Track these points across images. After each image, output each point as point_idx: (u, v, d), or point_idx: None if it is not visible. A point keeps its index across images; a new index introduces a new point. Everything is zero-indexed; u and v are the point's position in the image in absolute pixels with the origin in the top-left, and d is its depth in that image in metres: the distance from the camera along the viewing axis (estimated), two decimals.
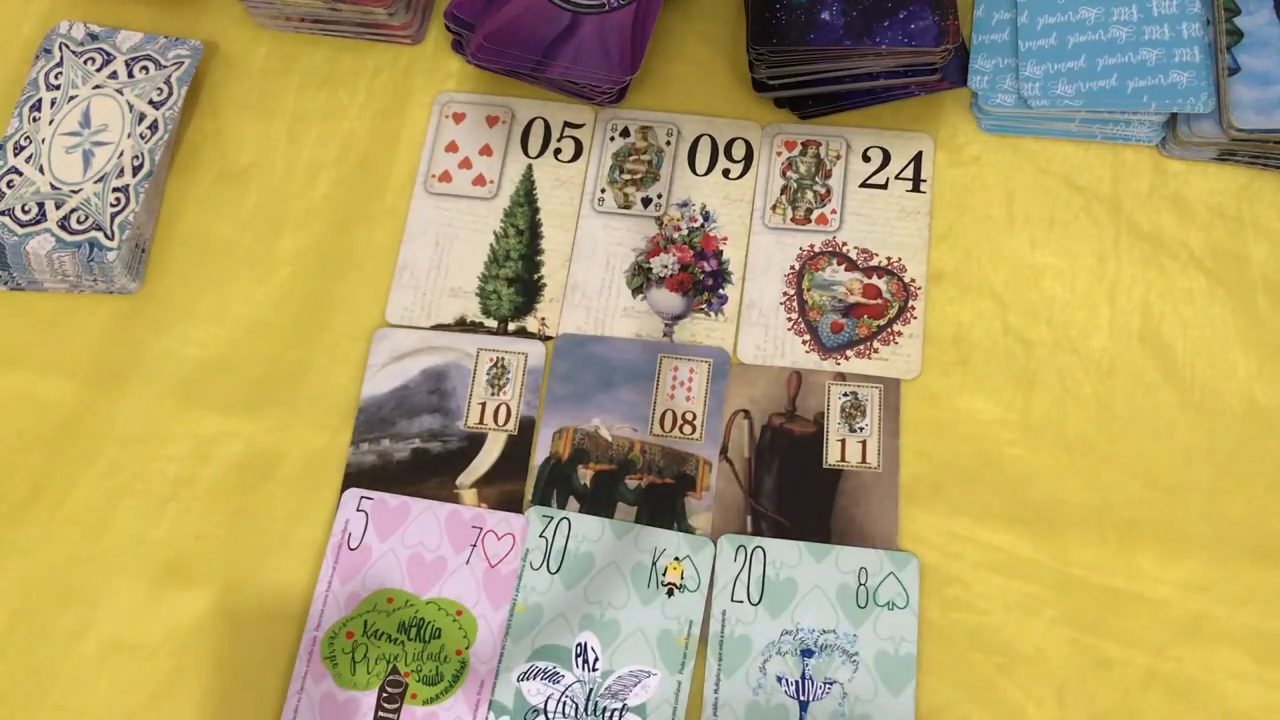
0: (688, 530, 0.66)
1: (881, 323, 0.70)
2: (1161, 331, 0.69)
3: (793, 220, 0.73)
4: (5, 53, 0.80)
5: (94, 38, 0.78)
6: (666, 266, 0.72)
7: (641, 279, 0.72)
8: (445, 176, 0.76)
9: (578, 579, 0.65)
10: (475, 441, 0.69)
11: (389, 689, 0.63)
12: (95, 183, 0.73)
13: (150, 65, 0.77)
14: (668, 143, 0.76)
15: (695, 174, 0.75)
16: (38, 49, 0.78)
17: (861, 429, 0.68)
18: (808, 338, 0.70)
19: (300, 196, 0.76)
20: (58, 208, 0.72)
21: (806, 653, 0.63)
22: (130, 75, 0.76)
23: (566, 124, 0.77)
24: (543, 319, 0.72)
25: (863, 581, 0.64)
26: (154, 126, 0.74)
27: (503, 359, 0.71)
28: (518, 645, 0.64)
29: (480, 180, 0.75)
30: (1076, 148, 0.74)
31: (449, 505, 0.67)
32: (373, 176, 0.76)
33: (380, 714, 0.63)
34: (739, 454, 0.68)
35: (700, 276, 0.72)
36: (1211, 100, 0.71)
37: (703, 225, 0.73)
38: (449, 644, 0.64)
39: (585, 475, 0.68)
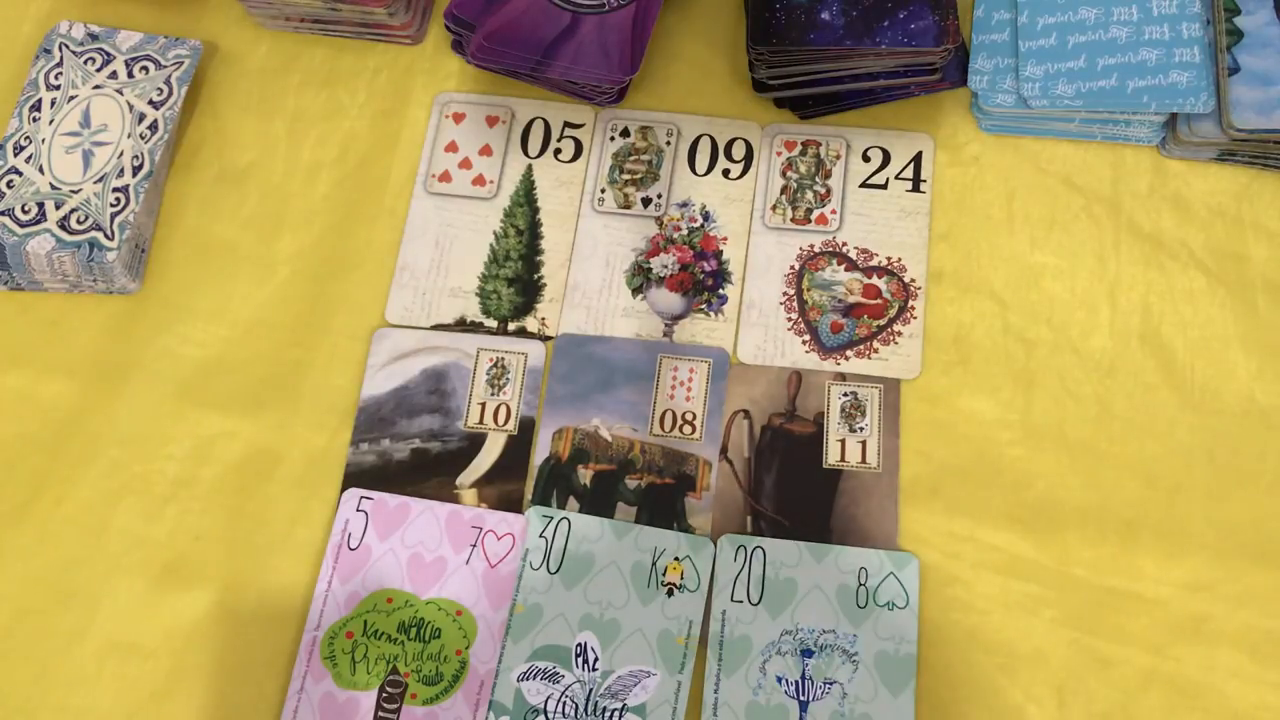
0: (688, 530, 0.66)
1: (881, 323, 0.70)
2: (1161, 331, 0.69)
3: (793, 220, 0.73)
4: (5, 53, 0.80)
5: (94, 38, 0.78)
6: (666, 266, 0.72)
7: (641, 279, 0.72)
8: (445, 176, 0.76)
9: (578, 579, 0.65)
10: (475, 441, 0.69)
11: (389, 689, 0.63)
12: (95, 183, 0.73)
13: (150, 65, 0.77)
14: (668, 143, 0.76)
15: (695, 174, 0.75)
16: (38, 49, 0.78)
17: (861, 429, 0.68)
18: (808, 338, 0.70)
19: (300, 196, 0.76)
20: (58, 208, 0.72)
21: (806, 653, 0.63)
22: (130, 75, 0.76)
23: (566, 124, 0.77)
24: (543, 319, 0.72)
25: (863, 581, 0.64)
26: (154, 126, 0.74)
27: (503, 359, 0.71)
28: (518, 645, 0.64)
29: (480, 180, 0.75)
30: (1076, 148, 0.74)
31: (449, 505, 0.67)
32: (373, 176, 0.76)
33: (380, 714, 0.63)
34: (739, 454, 0.68)
35: (700, 276, 0.72)
36: (1211, 100, 0.70)
37: (703, 225, 0.73)
38: (449, 644, 0.64)
39: (585, 475, 0.68)
